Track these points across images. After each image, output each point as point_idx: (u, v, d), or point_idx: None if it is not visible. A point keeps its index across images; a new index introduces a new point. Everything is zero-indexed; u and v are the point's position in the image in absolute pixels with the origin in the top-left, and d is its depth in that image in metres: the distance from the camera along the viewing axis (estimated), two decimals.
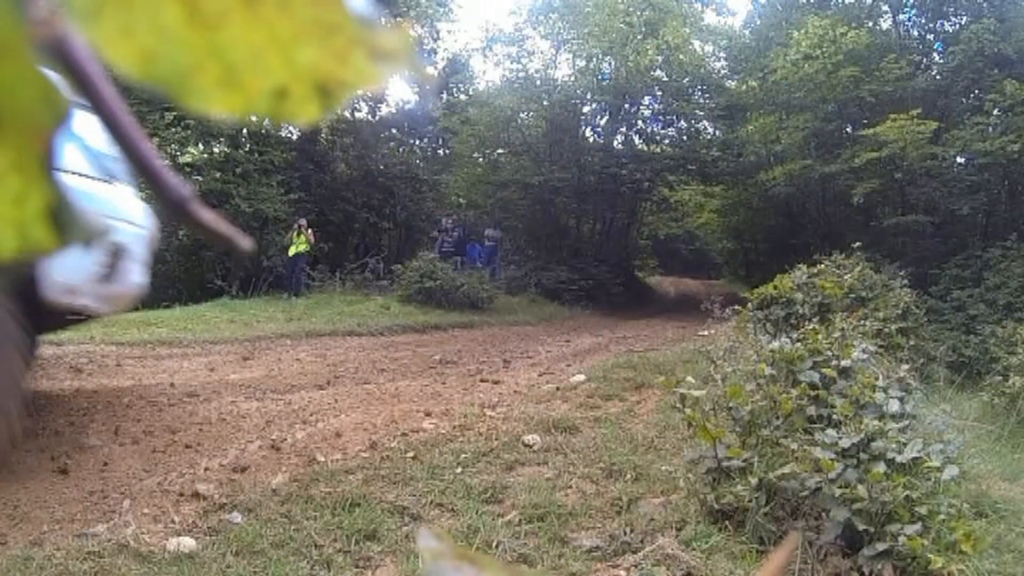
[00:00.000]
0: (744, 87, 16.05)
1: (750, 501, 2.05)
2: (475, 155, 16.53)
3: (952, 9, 14.11)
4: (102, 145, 2.52)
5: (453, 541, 0.24)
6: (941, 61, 14.04)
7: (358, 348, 6.21)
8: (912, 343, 5.18)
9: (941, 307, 10.53)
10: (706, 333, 6.57)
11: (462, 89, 16.83)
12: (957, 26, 13.88)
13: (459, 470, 2.52)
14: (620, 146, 16.64)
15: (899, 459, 2.02)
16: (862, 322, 4.35)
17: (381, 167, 13.28)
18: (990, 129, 11.86)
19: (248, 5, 0.20)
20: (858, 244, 7.91)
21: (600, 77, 15.47)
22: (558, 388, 3.86)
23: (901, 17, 14.81)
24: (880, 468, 1.91)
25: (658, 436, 3.00)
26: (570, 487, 2.43)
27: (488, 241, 13.73)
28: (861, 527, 1.85)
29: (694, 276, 23.64)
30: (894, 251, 11.78)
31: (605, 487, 2.43)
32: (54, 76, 0.21)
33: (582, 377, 4.10)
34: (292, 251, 9.61)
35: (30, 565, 1.72)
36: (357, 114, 13.23)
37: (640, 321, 11.49)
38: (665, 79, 15.43)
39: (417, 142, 16.04)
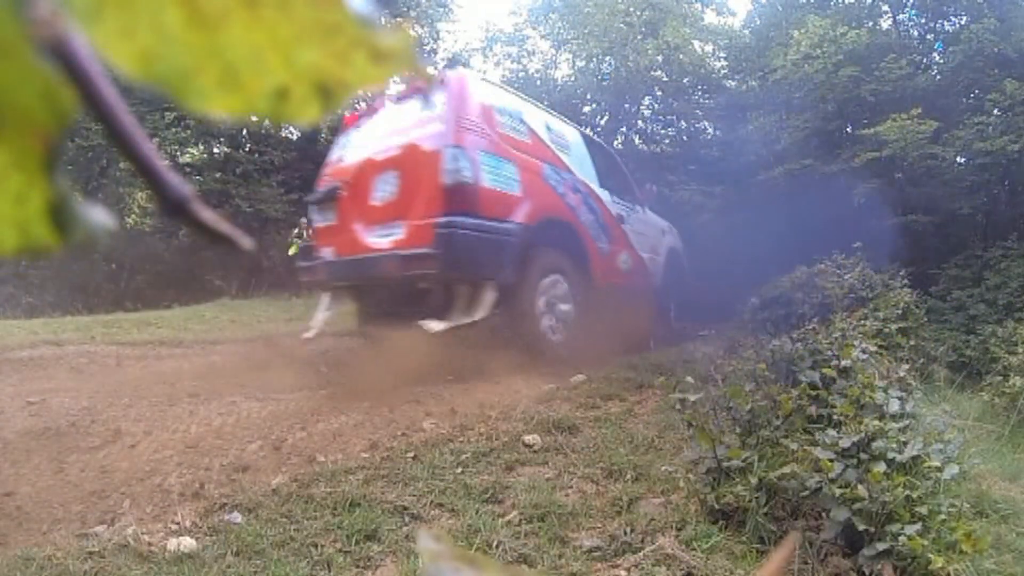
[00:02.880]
0: (744, 87, 16.04)
1: (750, 501, 2.05)
2: None
3: (952, 9, 14.11)
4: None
5: (453, 541, 0.24)
6: (941, 61, 14.03)
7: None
8: (912, 343, 5.18)
9: (941, 307, 10.53)
10: (706, 333, 6.57)
11: None
12: (957, 26, 13.87)
13: (459, 470, 2.52)
14: (620, 146, 16.63)
15: (899, 459, 2.02)
16: (862, 322, 4.36)
17: None
18: (990, 129, 11.84)
19: (248, 6, 0.20)
20: (858, 244, 7.91)
21: (600, 77, 15.46)
22: (558, 388, 3.86)
23: (901, 17, 14.81)
24: (880, 468, 1.91)
25: (658, 436, 2.99)
26: (570, 487, 2.43)
27: None
28: (861, 527, 1.85)
29: None
30: (894, 251, 11.78)
31: (605, 487, 2.42)
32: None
33: (582, 377, 4.09)
34: (293, 251, 9.62)
35: (30, 565, 1.72)
36: None
37: None
38: (665, 79, 15.42)
39: None
